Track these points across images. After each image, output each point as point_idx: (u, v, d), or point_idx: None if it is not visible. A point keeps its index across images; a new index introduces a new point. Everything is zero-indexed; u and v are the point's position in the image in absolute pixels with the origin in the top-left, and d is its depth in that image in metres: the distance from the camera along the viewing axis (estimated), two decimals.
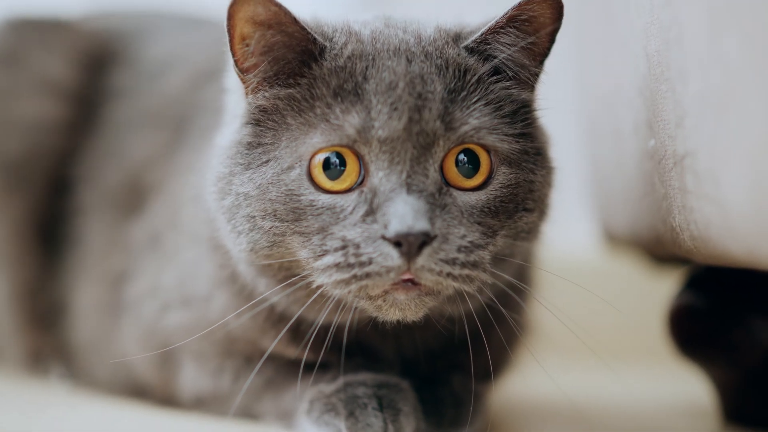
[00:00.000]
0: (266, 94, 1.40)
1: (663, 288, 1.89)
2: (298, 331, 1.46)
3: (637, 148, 1.57)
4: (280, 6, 1.35)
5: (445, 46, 1.40)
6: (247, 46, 1.38)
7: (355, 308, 1.38)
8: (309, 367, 1.46)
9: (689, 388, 1.97)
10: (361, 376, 1.45)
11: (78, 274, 1.86)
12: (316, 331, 1.41)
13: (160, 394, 1.67)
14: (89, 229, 1.87)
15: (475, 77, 1.39)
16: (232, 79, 1.47)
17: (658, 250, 1.68)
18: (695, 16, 1.34)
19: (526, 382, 1.70)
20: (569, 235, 1.99)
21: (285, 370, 1.51)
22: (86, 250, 1.86)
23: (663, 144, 1.44)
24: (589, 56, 1.87)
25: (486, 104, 1.38)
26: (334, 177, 1.36)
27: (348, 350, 1.45)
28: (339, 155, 1.36)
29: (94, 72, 2.00)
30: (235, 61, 1.39)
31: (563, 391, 1.59)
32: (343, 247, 1.33)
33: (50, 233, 1.93)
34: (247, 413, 1.55)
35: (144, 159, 1.83)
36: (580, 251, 2.29)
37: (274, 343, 1.45)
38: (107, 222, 1.83)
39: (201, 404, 1.61)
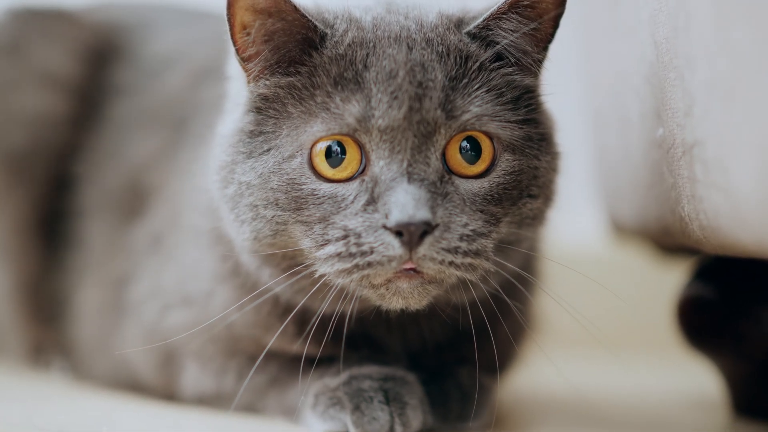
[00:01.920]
0: (267, 82, 1.39)
1: (671, 279, 1.88)
2: (302, 325, 1.44)
3: (644, 137, 1.56)
4: None
5: (447, 33, 1.39)
6: (248, 34, 1.37)
7: (358, 297, 1.37)
8: (314, 363, 1.45)
9: (698, 380, 1.97)
10: (367, 369, 1.44)
11: (80, 274, 1.85)
12: (319, 322, 1.40)
13: (161, 395, 1.65)
14: (91, 231, 1.86)
15: (477, 64, 1.38)
16: (234, 66, 1.46)
17: (667, 240, 1.67)
18: (703, 3, 1.33)
19: (533, 374, 1.69)
20: (576, 226, 1.99)
21: (289, 367, 1.50)
22: (88, 252, 1.85)
23: (672, 133, 1.43)
24: (593, 43, 1.86)
25: (488, 91, 1.37)
26: (335, 165, 1.35)
27: (354, 343, 1.44)
28: (340, 144, 1.35)
29: (96, 66, 1.99)
30: (236, 50, 1.39)
31: (570, 382, 1.59)
32: (345, 237, 1.32)
33: (52, 229, 1.92)
34: (251, 411, 1.54)
35: (144, 161, 1.82)
36: (587, 242, 2.28)
37: (278, 332, 1.43)
38: (109, 224, 1.82)
39: (203, 405, 1.59)
